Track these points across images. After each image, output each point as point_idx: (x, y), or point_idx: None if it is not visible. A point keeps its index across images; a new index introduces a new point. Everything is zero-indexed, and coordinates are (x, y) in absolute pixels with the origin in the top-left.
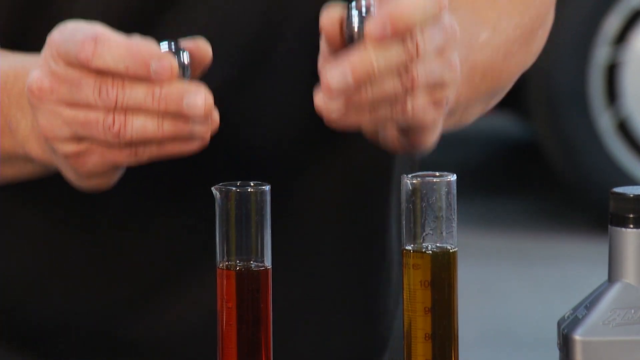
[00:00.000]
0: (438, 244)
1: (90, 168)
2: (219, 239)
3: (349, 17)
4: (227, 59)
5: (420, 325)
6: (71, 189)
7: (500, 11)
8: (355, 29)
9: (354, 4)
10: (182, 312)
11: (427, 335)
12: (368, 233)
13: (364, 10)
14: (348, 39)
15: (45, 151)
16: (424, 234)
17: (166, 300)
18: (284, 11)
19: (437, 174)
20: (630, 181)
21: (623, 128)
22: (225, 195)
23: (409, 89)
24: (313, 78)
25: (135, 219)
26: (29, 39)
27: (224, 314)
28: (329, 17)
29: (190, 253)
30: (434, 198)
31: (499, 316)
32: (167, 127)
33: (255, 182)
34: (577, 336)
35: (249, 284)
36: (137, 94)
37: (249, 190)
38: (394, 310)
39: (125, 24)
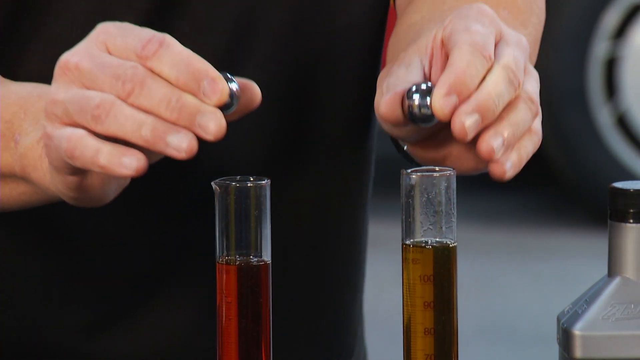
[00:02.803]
0: (437, 239)
1: (52, 158)
2: (219, 234)
3: (411, 98)
4: None
5: (419, 319)
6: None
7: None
8: (420, 110)
9: (414, 87)
10: (150, 331)
11: (426, 329)
12: (340, 245)
13: (424, 88)
14: (412, 119)
15: (44, 160)
16: (424, 228)
17: (133, 321)
18: (252, 25)
19: (437, 168)
20: (629, 176)
21: (622, 123)
22: (225, 190)
23: (534, 116)
24: (285, 89)
25: (98, 246)
26: (19, 51)
27: (224, 308)
28: (388, 106)
29: (156, 277)
30: (433, 192)
31: (499, 311)
32: (145, 132)
33: (255, 176)
34: (577, 331)
35: (248, 279)
36: (153, 95)
37: (249, 185)
38: (359, 317)
39: None
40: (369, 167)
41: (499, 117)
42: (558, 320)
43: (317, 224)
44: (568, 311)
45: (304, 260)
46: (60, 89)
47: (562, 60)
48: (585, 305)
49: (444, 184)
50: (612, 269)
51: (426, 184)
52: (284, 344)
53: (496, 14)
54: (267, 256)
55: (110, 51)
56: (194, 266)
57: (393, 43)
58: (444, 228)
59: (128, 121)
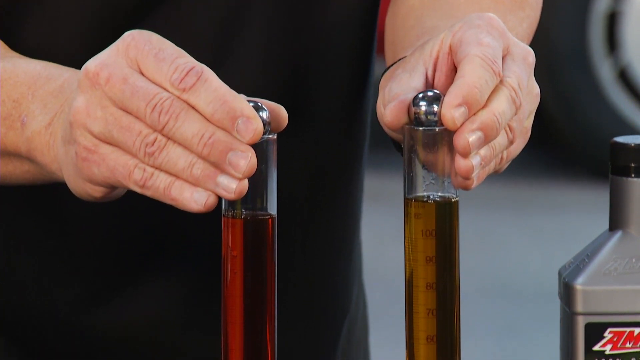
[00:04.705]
0: (440, 193)
1: (93, 173)
2: None
3: (417, 105)
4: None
5: (421, 274)
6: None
7: (504, 11)
8: (426, 117)
9: (420, 94)
10: (146, 302)
11: (428, 284)
12: (335, 211)
13: (431, 95)
14: (417, 125)
15: (52, 148)
16: (426, 183)
17: (132, 290)
18: (244, 12)
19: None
20: (631, 130)
21: (623, 77)
22: None
23: (509, 143)
24: (278, 73)
25: (93, 218)
26: (12, 29)
27: (229, 262)
28: (394, 115)
29: (155, 246)
30: (435, 147)
31: (499, 266)
32: (196, 171)
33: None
34: (578, 285)
35: (254, 232)
36: (187, 130)
37: None
38: (356, 275)
39: (99, 21)
40: (364, 137)
41: None
42: (559, 274)
43: (311, 192)
44: (569, 266)
45: (298, 225)
46: (93, 104)
47: (563, 15)
48: (586, 260)
49: (445, 139)
50: (614, 224)
51: (428, 139)
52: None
53: (504, 25)
54: (273, 210)
55: (142, 72)
56: (190, 237)
57: (391, 25)
58: (446, 183)
59: (180, 159)
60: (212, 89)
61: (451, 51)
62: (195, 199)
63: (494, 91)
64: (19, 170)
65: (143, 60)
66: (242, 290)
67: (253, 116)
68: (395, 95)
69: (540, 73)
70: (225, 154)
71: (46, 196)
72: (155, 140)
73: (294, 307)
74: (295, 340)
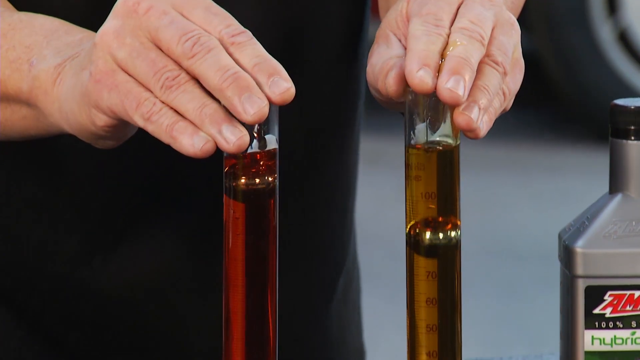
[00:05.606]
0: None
1: (102, 97)
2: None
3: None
4: None
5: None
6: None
7: None
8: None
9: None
10: (146, 259)
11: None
12: (331, 166)
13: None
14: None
15: (57, 86)
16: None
17: (132, 247)
18: None
19: None
20: (630, 92)
21: (623, 38)
22: None
23: (503, 76)
24: (269, 28)
25: (92, 173)
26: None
27: (231, 224)
28: (398, 85)
29: (155, 201)
30: (437, 107)
31: (500, 228)
32: (206, 111)
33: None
34: (578, 248)
35: (256, 198)
36: (215, 62)
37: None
38: (349, 239)
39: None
40: (359, 96)
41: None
42: (559, 237)
43: (307, 150)
44: (569, 228)
45: (294, 181)
46: (124, 30)
47: None
48: (586, 223)
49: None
50: (614, 187)
51: (429, 99)
52: None
53: None
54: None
55: (190, 19)
56: (191, 194)
57: None
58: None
59: (195, 99)
60: (258, 49)
61: (408, 20)
62: (193, 142)
63: (450, 38)
64: (16, 116)
65: (192, 10)
66: (244, 253)
67: (290, 80)
68: (383, 66)
69: (541, 34)
70: (243, 92)
71: (44, 150)
72: (177, 77)
73: (289, 264)
74: (292, 298)
